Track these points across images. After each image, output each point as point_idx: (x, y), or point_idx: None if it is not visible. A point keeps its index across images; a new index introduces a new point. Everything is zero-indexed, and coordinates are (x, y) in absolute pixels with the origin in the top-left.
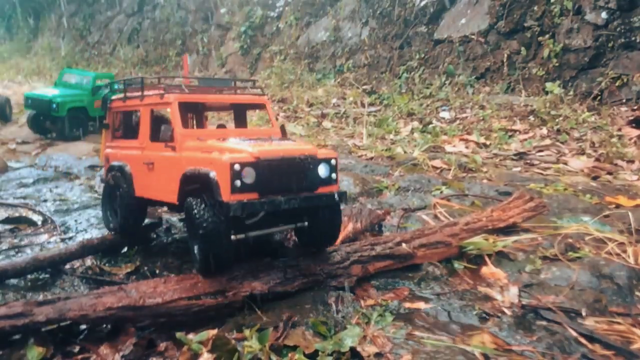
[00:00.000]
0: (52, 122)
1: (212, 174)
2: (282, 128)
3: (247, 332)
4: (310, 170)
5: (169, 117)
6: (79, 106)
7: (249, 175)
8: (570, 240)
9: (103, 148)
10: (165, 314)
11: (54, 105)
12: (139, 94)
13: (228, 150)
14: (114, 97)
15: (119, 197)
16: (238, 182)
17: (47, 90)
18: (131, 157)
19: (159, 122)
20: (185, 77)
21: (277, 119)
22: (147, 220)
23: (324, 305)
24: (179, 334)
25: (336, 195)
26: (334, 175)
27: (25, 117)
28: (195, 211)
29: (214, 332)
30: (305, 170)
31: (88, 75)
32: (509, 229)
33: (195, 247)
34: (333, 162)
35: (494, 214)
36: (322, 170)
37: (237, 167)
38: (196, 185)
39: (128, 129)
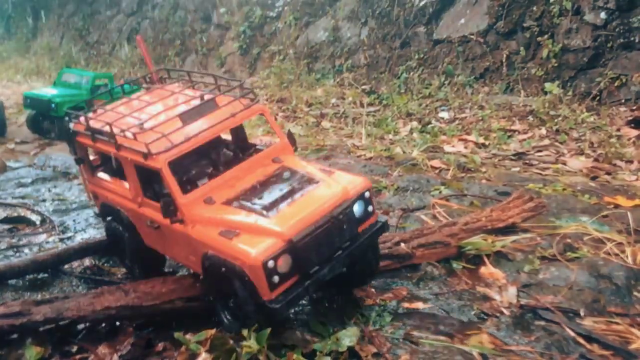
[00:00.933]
0: (51, 122)
1: (242, 270)
2: (290, 136)
3: (244, 332)
4: (347, 218)
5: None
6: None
7: (285, 263)
8: (568, 240)
9: (85, 184)
10: (163, 314)
11: (53, 105)
12: (110, 138)
13: (249, 230)
14: (76, 128)
15: (126, 245)
16: (276, 278)
17: (46, 90)
18: (127, 207)
19: (148, 173)
20: (147, 63)
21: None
22: None
23: (322, 305)
24: (177, 334)
25: (377, 227)
26: (370, 208)
27: (24, 117)
28: (232, 303)
29: (212, 331)
30: (342, 223)
31: (87, 75)
32: (508, 229)
33: (226, 312)
34: (367, 194)
35: (493, 214)
36: (358, 209)
37: (270, 263)
38: (224, 270)
39: (111, 167)
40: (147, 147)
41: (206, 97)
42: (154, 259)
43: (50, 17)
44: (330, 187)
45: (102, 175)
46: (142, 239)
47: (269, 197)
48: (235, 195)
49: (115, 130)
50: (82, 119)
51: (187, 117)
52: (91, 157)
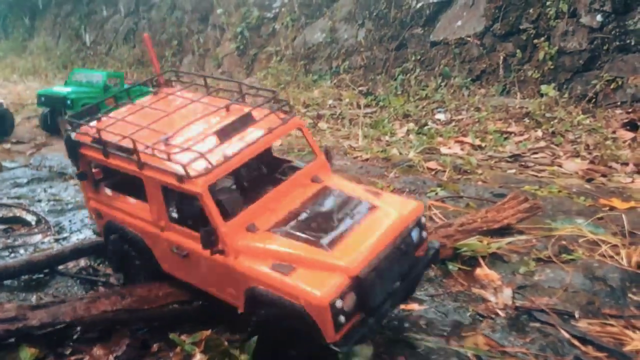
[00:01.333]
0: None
1: (304, 311)
2: (327, 152)
3: (232, 346)
4: (407, 247)
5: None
6: (91, 103)
7: (351, 301)
8: (564, 242)
9: (86, 200)
10: (160, 318)
11: (69, 102)
12: (129, 154)
13: (306, 264)
14: (81, 139)
15: (137, 270)
16: (342, 318)
17: (60, 88)
18: (144, 230)
19: (179, 196)
20: (154, 63)
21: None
22: None
23: None
24: (171, 335)
25: (432, 254)
26: (424, 234)
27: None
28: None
29: (207, 332)
30: (403, 252)
31: (99, 74)
32: (504, 231)
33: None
34: (423, 220)
35: (488, 215)
36: (415, 235)
37: (338, 303)
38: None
39: (128, 182)
40: (186, 169)
41: (232, 107)
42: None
43: (46, 16)
44: (387, 213)
45: (107, 191)
46: (160, 268)
47: (321, 224)
48: (279, 221)
49: (141, 147)
50: (90, 129)
51: (224, 133)
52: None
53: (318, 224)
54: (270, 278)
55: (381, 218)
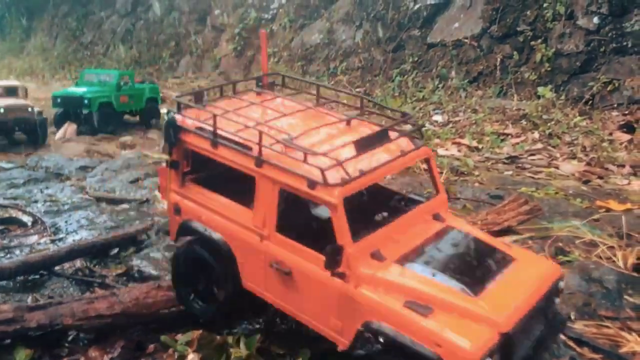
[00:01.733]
0: (84, 119)
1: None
2: (447, 191)
3: (229, 339)
4: (547, 310)
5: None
6: (107, 102)
7: None
8: (560, 243)
9: (167, 191)
10: (158, 320)
11: (86, 101)
12: (247, 147)
13: (447, 308)
14: (182, 124)
15: (215, 280)
16: None
17: (74, 89)
18: (234, 234)
19: (291, 201)
20: (263, 62)
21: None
22: (137, 223)
23: None
24: (163, 337)
25: (563, 319)
26: (557, 300)
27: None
28: None
29: (199, 332)
30: (543, 315)
31: (111, 73)
32: (502, 232)
33: None
34: (561, 284)
35: (488, 217)
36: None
37: None
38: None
39: (222, 179)
40: (324, 175)
41: (353, 121)
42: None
43: (44, 17)
44: (529, 270)
45: (193, 186)
46: (239, 282)
47: (459, 266)
48: (407, 254)
49: (268, 141)
50: (200, 114)
51: (362, 145)
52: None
53: (455, 266)
54: (401, 317)
55: (524, 273)
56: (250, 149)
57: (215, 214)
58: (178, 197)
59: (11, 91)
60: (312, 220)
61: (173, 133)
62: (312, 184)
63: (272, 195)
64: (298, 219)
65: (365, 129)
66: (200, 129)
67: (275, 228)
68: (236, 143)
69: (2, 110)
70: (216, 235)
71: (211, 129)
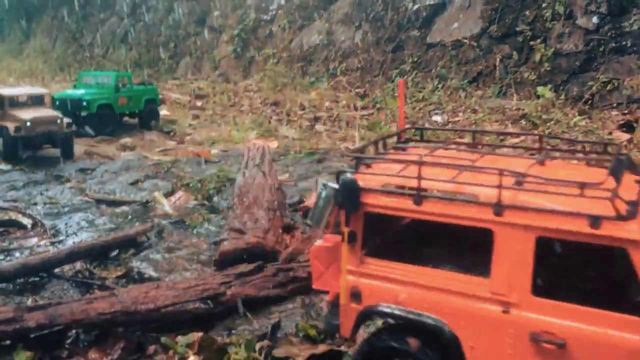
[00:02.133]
0: (82, 121)
1: None
2: None
3: (233, 339)
4: None
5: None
6: (106, 103)
7: None
8: None
9: (343, 273)
10: (157, 320)
11: (85, 103)
12: (474, 197)
13: None
14: (366, 184)
15: None
16: None
17: (72, 91)
18: (459, 311)
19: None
20: (400, 115)
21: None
22: (137, 224)
23: (314, 309)
24: (164, 339)
25: None
26: None
27: None
28: None
29: (200, 334)
30: None
31: (109, 75)
32: None
33: None
34: None
35: None
36: None
37: None
38: None
39: (404, 246)
40: (615, 206)
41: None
42: None
43: (43, 19)
44: None
45: (376, 260)
46: None
47: None
48: None
49: (507, 181)
50: (385, 168)
51: (617, 178)
52: None
53: None
54: None
55: None
56: (476, 196)
57: (421, 290)
58: (357, 277)
59: (38, 100)
60: (581, 271)
61: (351, 196)
62: (595, 221)
63: (521, 250)
64: (562, 274)
65: (564, 167)
66: (394, 186)
67: (531, 291)
68: (448, 194)
69: (29, 124)
70: (430, 317)
71: (410, 184)
